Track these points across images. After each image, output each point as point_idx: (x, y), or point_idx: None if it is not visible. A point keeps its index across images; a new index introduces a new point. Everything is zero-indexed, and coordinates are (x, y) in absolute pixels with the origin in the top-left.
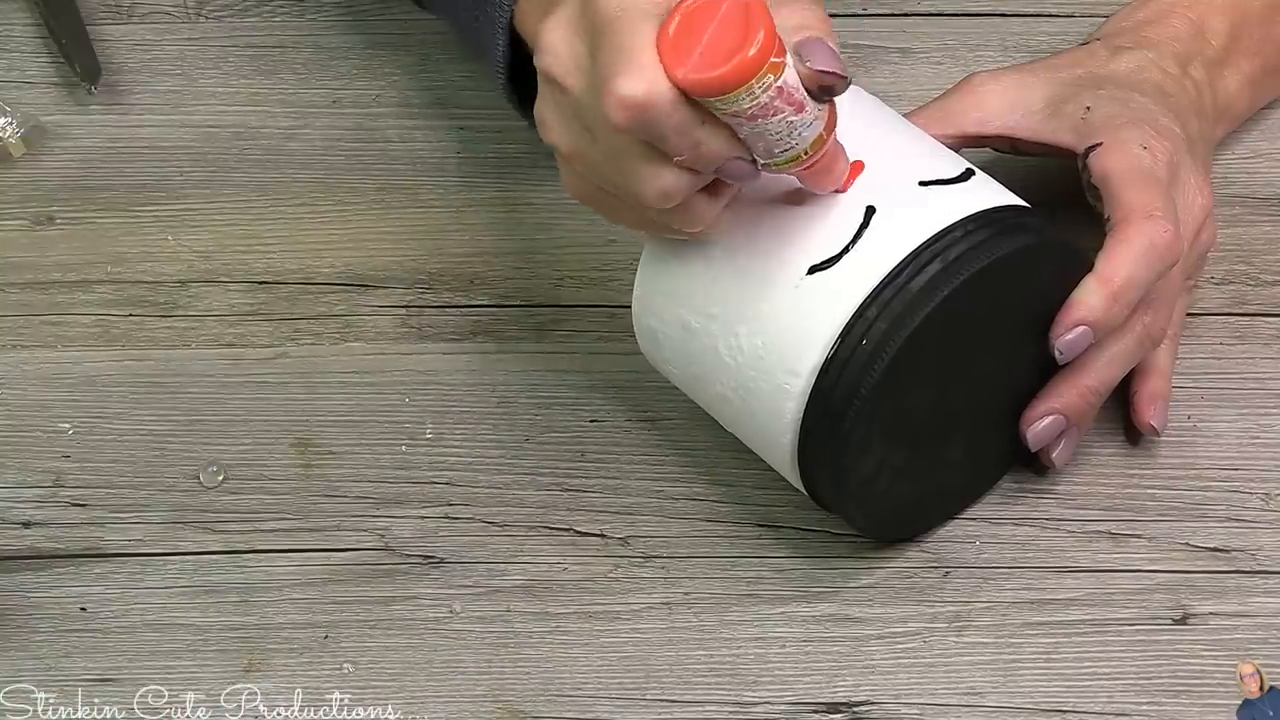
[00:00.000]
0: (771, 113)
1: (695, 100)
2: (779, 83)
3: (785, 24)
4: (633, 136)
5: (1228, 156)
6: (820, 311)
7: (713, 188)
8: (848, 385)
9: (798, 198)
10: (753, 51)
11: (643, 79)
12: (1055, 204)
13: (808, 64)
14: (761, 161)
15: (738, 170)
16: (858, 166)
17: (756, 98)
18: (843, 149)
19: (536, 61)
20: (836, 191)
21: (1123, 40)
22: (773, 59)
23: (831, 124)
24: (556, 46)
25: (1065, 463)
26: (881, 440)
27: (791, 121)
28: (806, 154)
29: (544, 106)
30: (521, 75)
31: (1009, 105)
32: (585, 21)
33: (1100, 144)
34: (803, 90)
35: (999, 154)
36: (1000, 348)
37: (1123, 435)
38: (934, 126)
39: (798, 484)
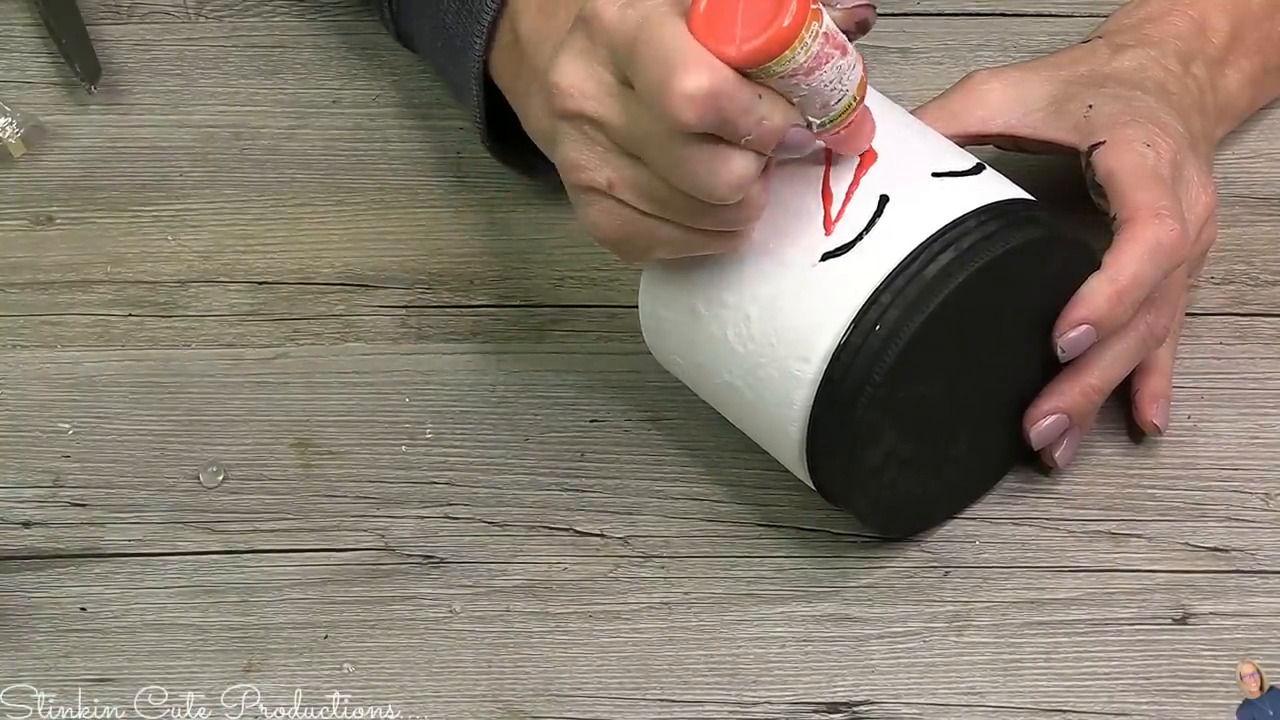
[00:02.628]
0: (824, 60)
1: (749, 75)
2: (824, 29)
3: None
4: (700, 131)
5: (1228, 156)
6: (833, 298)
7: (762, 175)
8: (860, 372)
9: (811, 186)
10: (794, 5)
11: (703, 70)
12: (1058, 202)
13: (838, 5)
14: (816, 123)
15: (798, 139)
16: (871, 156)
17: (809, 48)
18: (868, 108)
19: (554, 105)
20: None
21: (1124, 38)
22: (812, 6)
23: (864, 66)
24: (576, 81)
25: (1067, 463)
26: (891, 430)
27: (840, 66)
28: (855, 101)
29: (573, 149)
30: (499, 119)
31: (1011, 103)
32: (602, 49)
33: (1103, 142)
34: (840, 32)
35: (1001, 151)
36: (1007, 341)
37: (1124, 434)
38: (937, 125)
39: (803, 475)
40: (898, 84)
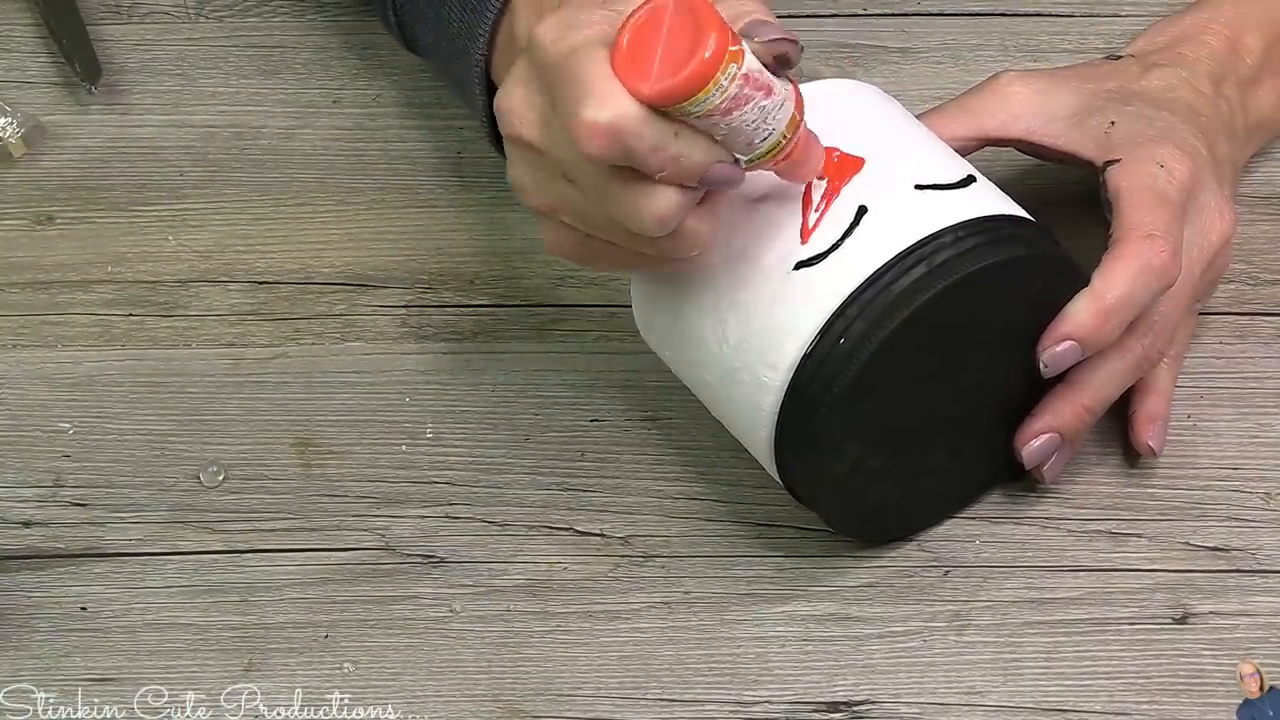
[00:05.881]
0: (743, 101)
1: (665, 112)
2: (743, 70)
3: (725, 15)
4: (610, 164)
5: None
6: (802, 307)
7: (702, 205)
8: (822, 382)
9: (794, 194)
10: (710, 48)
11: (607, 103)
12: (1071, 213)
13: (757, 40)
14: (744, 159)
15: (723, 174)
16: (857, 163)
17: (725, 90)
18: (814, 136)
19: (500, 128)
20: (820, 178)
21: (1156, 57)
22: (731, 48)
23: (800, 104)
24: (515, 107)
25: (1055, 478)
26: (857, 440)
27: (763, 106)
28: (785, 138)
29: (517, 171)
30: None
31: (1034, 109)
32: (537, 74)
33: (1118, 160)
34: (766, 73)
35: (1022, 154)
36: (987, 356)
37: (1123, 435)
38: (957, 123)
39: (776, 476)
40: (898, 84)
